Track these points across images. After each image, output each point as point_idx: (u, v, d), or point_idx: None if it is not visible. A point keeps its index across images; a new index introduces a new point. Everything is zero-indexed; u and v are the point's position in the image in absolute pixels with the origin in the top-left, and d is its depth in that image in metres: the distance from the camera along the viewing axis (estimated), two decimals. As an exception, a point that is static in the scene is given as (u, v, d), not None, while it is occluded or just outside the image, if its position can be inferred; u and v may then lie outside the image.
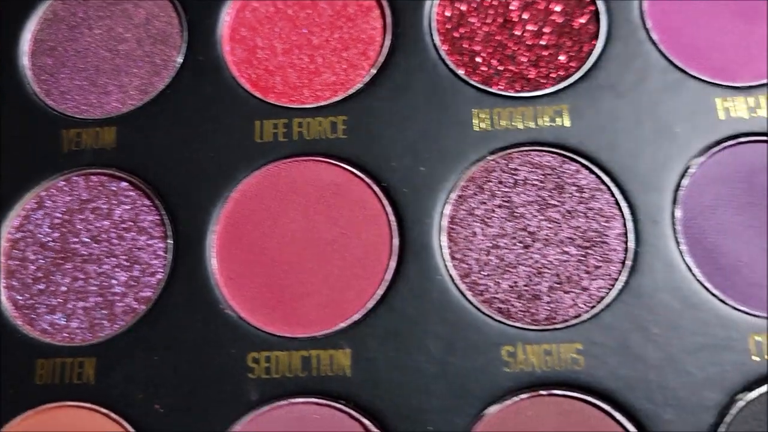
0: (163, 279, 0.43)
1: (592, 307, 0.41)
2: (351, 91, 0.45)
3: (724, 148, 0.43)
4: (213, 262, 0.43)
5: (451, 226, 0.43)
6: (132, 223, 0.44)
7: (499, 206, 0.43)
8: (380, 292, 0.42)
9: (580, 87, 0.45)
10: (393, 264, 0.42)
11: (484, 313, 0.41)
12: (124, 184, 0.45)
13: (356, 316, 0.41)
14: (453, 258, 0.42)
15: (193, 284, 0.43)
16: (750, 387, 0.40)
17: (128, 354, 0.42)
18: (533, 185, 0.43)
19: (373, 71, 0.46)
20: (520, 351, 0.41)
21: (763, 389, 0.40)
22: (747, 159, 0.43)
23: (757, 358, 0.40)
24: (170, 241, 0.43)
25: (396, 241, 0.42)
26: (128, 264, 0.43)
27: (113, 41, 0.48)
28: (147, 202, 0.44)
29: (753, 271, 0.42)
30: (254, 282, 0.42)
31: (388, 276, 0.42)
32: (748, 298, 0.41)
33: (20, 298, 0.43)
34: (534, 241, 0.42)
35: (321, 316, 0.42)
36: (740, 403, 0.39)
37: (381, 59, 0.46)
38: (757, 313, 0.41)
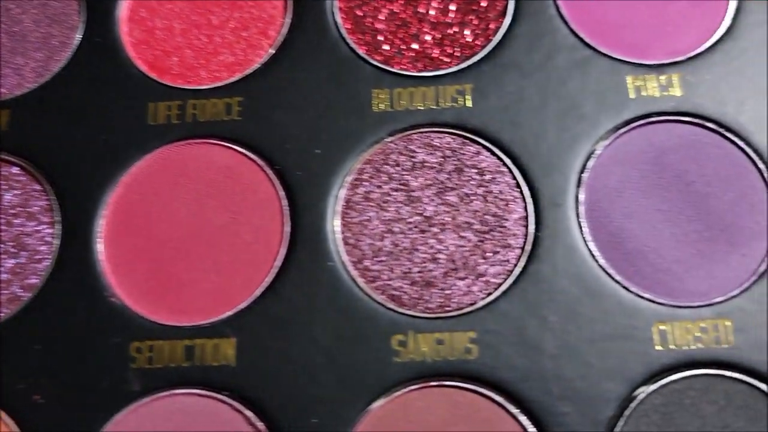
0: (50, 266, 0.41)
1: (489, 294, 0.39)
2: (248, 71, 0.44)
3: (634, 128, 0.41)
4: (100, 248, 0.41)
5: (345, 210, 0.41)
6: (21, 209, 0.43)
7: (396, 190, 0.41)
8: (269, 279, 0.40)
9: (485, 66, 0.43)
10: (283, 250, 0.40)
11: (375, 301, 0.39)
12: (15, 168, 0.43)
13: (243, 304, 0.40)
14: (346, 243, 0.40)
15: (79, 271, 0.41)
16: (652, 378, 0.38)
17: (11, 343, 0.40)
18: (431, 168, 0.41)
19: (272, 51, 0.44)
20: (411, 340, 0.39)
21: (664, 380, 0.38)
22: (657, 139, 0.41)
23: (661, 348, 0.38)
24: (58, 226, 0.42)
25: (288, 226, 0.41)
26: (15, 251, 0.42)
27: (9, 22, 0.46)
28: (37, 187, 0.43)
29: (660, 257, 0.40)
30: (142, 269, 0.41)
31: (278, 262, 0.40)
32: (654, 285, 0.39)
33: None
34: (430, 226, 0.40)
35: (207, 304, 0.40)
36: (641, 396, 0.37)
37: (280, 39, 0.44)
38: (662, 300, 0.39)
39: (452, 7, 0.44)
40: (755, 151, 0.41)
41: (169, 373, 0.39)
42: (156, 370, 0.39)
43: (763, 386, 0.37)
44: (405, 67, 0.43)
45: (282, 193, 0.41)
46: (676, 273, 0.39)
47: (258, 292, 0.40)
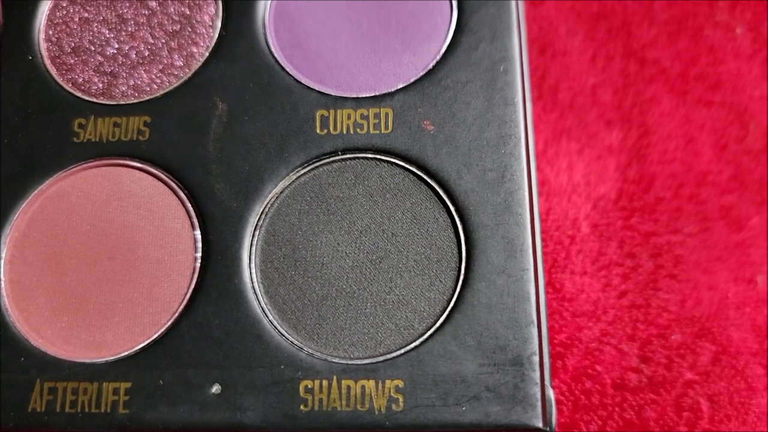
0: None
1: (169, 85, 0.41)
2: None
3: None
4: None
5: (51, 9, 0.44)
6: None
7: (101, -5, 0.44)
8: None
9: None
10: (-8, 47, 0.43)
11: (64, 90, 0.42)
12: None
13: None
14: (48, 41, 0.43)
15: None
16: (309, 161, 0.39)
17: None
18: None
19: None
20: (90, 123, 0.41)
21: (320, 162, 0.39)
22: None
23: (322, 132, 0.39)
24: None
25: (-1, 27, 0.43)
26: None
27: None
28: None
29: (335, 55, 0.41)
30: None
31: (-14, 58, 0.43)
32: (326, 79, 0.41)
33: None
34: (126, 26, 0.43)
35: None
36: (294, 176, 0.39)
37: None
38: (327, 91, 0.40)
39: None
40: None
41: None
42: None
43: (415, 169, 0.39)
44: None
45: (-2, -6, 0.44)
46: (347, 69, 0.41)
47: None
